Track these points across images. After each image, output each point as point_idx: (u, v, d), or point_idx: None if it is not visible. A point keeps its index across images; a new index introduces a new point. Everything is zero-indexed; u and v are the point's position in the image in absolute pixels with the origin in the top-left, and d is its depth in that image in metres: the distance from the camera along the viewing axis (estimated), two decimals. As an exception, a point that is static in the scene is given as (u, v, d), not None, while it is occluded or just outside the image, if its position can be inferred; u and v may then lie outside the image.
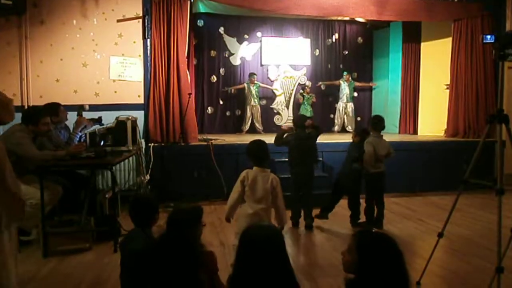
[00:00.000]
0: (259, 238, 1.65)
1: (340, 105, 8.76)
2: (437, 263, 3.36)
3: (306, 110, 8.28)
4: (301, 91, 8.65)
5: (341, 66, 9.30)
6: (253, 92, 8.22)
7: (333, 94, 9.15)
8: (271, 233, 1.70)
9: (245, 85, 8.31)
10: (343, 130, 8.72)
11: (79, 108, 4.78)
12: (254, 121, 8.28)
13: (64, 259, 3.53)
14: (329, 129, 8.65)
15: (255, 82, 8.27)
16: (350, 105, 8.73)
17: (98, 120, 4.80)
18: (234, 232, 3.02)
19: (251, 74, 8.31)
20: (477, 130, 6.83)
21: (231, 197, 3.00)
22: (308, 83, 8.86)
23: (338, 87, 8.81)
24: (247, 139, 6.50)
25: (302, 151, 4.47)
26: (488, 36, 2.66)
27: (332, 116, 9.02)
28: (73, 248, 3.69)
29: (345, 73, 8.73)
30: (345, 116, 8.71)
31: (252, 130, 8.31)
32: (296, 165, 4.53)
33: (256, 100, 8.25)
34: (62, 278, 3.18)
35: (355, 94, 9.02)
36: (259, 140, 3.18)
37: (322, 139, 6.13)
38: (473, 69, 6.88)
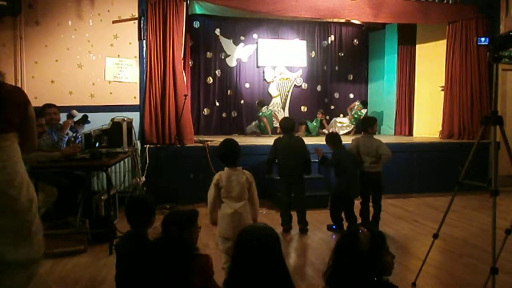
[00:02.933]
0: (255, 239, 1.65)
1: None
2: (433, 264, 3.37)
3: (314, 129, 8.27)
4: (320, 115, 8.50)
5: (336, 68, 9.34)
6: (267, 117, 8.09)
7: (340, 93, 9.28)
8: (267, 234, 1.69)
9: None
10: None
11: (68, 116, 4.70)
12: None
13: (59, 261, 3.50)
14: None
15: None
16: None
17: (84, 119, 4.68)
18: (217, 235, 3.00)
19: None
20: (471, 131, 6.87)
21: (208, 202, 2.98)
22: (320, 114, 8.56)
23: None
24: (244, 140, 6.52)
25: (291, 154, 4.39)
26: (483, 39, 2.66)
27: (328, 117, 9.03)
28: (68, 250, 3.66)
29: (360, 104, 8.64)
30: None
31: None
32: (284, 168, 4.45)
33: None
34: (57, 281, 3.15)
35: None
36: (229, 141, 3.12)
37: (318, 140, 6.15)
38: (467, 71, 6.93)
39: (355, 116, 8.53)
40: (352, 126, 8.54)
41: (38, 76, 5.49)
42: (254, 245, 1.61)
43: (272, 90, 8.94)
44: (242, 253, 1.63)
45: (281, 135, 4.62)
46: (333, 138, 4.57)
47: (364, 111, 8.58)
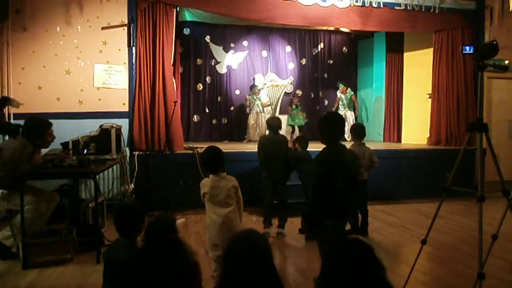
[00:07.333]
0: (246, 246, 1.63)
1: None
2: (421, 270, 3.39)
3: (296, 119, 8.35)
4: (292, 99, 8.62)
5: (325, 75, 9.41)
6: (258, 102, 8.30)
7: (329, 99, 9.30)
8: (259, 241, 1.67)
9: (248, 96, 8.43)
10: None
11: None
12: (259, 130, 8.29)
13: (44, 271, 3.43)
14: None
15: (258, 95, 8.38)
16: (350, 114, 8.71)
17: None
18: (207, 242, 2.98)
19: (253, 86, 8.47)
20: (458, 138, 6.98)
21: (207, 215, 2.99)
22: (299, 92, 8.86)
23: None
24: (234, 147, 6.51)
25: (274, 150, 4.46)
26: (468, 47, 2.72)
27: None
28: (54, 259, 3.59)
29: (341, 85, 8.67)
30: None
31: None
32: (269, 164, 4.49)
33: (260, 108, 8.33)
34: (43, 291, 3.09)
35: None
36: (212, 148, 3.14)
37: (316, 147, 6.15)
38: (454, 79, 7.06)
39: (349, 97, 8.66)
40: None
41: (25, 82, 5.42)
42: (245, 252, 1.59)
43: (263, 97, 8.96)
44: (233, 260, 1.61)
45: (267, 133, 4.67)
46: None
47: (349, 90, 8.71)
